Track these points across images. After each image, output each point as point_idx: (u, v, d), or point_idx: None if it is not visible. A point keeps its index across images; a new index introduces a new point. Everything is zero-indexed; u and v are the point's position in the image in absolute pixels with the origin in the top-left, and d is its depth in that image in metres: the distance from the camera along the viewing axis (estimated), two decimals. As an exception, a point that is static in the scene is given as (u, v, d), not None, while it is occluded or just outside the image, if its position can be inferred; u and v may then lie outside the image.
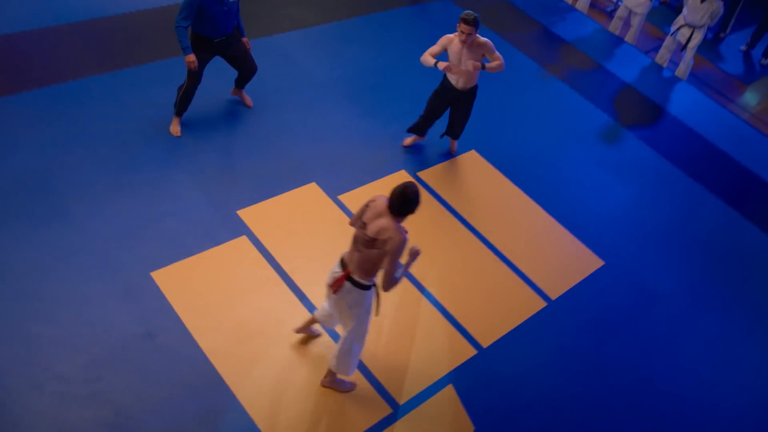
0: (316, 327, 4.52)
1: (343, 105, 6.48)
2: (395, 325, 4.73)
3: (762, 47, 9.82)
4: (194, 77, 5.46)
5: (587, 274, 5.52)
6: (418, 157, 6.14)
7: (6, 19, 6.33)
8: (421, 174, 5.96)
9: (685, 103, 8.09)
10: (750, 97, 8.56)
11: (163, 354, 4.17)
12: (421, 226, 5.40)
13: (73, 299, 4.32)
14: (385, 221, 3.46)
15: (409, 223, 5.00)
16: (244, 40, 5.65)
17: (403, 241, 3.43)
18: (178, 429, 3.81)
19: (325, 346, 4.45)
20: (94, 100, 5.78)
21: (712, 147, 7.40)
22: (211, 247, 4.87)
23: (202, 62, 5.43)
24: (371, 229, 3.50)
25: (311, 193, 5.51)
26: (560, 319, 5.11)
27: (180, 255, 4.75)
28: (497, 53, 5.42)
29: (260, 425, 3.94)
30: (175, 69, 6.20)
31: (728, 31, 10.08)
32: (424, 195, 5.71)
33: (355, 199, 5.52)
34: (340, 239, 4.87)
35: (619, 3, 9.31)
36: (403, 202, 3.40)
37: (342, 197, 5.52)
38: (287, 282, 4.79)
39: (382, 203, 3.52)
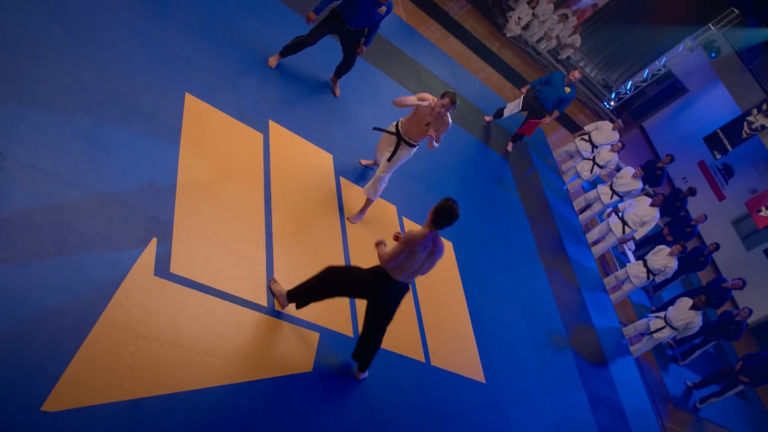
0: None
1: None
2: (309, 264, 5.32)
3: (703, 393, 10.60)
4: (310, 36, 6.53)
5: (466, 375, 6.03)
6: (412, 208, 6.97)
7: None
8: (406, 220, 6.77)
9: (622, 373, 8.78)
10: None
11: (144, 136, 4.86)
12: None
13: (127, 53, 5.17)
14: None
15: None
16: (364, 47, 6.79)
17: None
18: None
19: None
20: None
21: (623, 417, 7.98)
22: (238, 120, 5.68)
23: (323, 30, 6.50)
24: None
25: (324, 160, 6.35)
26: (424, 380, 5.55)
27: (217, 105, 5.56)
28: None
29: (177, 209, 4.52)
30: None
31: (687, 361, 10.99)
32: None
33: (351, 193, 6.32)
34: (316, 202, 5.62)
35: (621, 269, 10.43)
36: None
37: (342, 180, 6.34)
38: (266, 186, 5.52)
39: None
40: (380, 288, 4.44)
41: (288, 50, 6.67)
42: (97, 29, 5.11)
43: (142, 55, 5.33)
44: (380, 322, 4.64)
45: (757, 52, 15.60)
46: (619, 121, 11.00)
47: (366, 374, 4.99)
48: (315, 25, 6.49)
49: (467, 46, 12.23)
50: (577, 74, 9.34)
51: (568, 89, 9.36)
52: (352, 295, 4.65)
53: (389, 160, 5.86)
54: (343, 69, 7.02)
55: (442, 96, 5.42)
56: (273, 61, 6.68)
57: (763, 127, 15.24)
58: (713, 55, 15.78)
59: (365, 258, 5.86)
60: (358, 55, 6.91)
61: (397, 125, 5.88)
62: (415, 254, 4.27)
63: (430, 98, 5.54)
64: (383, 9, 6.29)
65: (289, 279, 5.01)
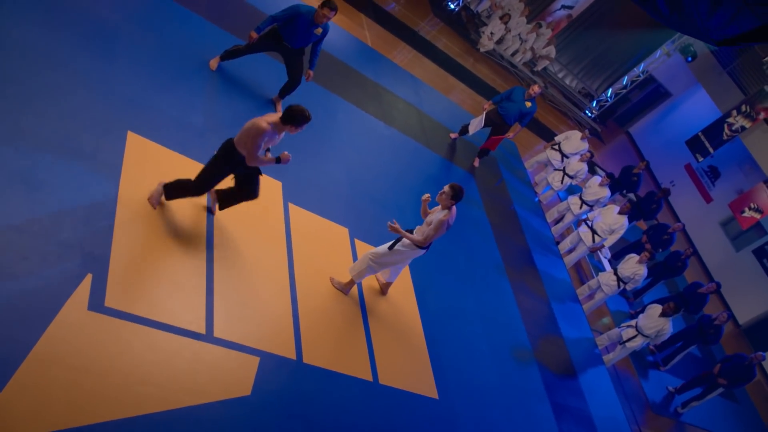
0: None
1: (346, 163, 7.71)
2: (259, 289, 5.51)
3: (685, 397, 10.65)
4: (249, 48, 6.98)
5: (417, 392, 6.17)
6: (367, 230, 7.15)
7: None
8: (358, 242, 6.95)
9: (593, 382, 8.87)
10: None
11: (83, 177, 5.09)
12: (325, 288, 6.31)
13: (68, 96, 5.41)
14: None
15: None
16: (310, 72, 7.19)
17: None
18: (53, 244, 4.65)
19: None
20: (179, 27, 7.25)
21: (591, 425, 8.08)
22: (182, 154, 5.90)
23: (263, 46, 6.98)
24: None
25: (272, 187, 6.55)
26: (372, 399, 5.69)
27: (160, 141, 5.79)
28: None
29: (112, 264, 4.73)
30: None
31: (668, 367, 11.04)
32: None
33: (300, 218, 6.52)
34: (260, 230, 5.80)
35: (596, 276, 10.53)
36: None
37: (291, 206, 6.54)
38: (208, 217, 5.72)
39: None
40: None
41: (228, 55, 7.07)
42: (40, 73, 5.37)
43: (84, 96, 5.57)
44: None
45: (733, 54, 15.73)
46: (587, 131, 11.17)
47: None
48: (255, 41, 6.93)
49: (440, 65, 12.46)
50: (536, 88, 9.53)
51: (528, 104, 9.55)
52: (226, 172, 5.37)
53: (390, 248, 6.01)
54: (288, 89, 7.41)
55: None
56: (214, 63, 7.09)
57: (743, 128, 15.31)
58: (690, 59, 15.92)
59: (311, 281, 6.04)
60: (306, 79, 7.31)
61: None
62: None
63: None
64: (319, 30, 6.81)
65: (229, 307, 5.20)
